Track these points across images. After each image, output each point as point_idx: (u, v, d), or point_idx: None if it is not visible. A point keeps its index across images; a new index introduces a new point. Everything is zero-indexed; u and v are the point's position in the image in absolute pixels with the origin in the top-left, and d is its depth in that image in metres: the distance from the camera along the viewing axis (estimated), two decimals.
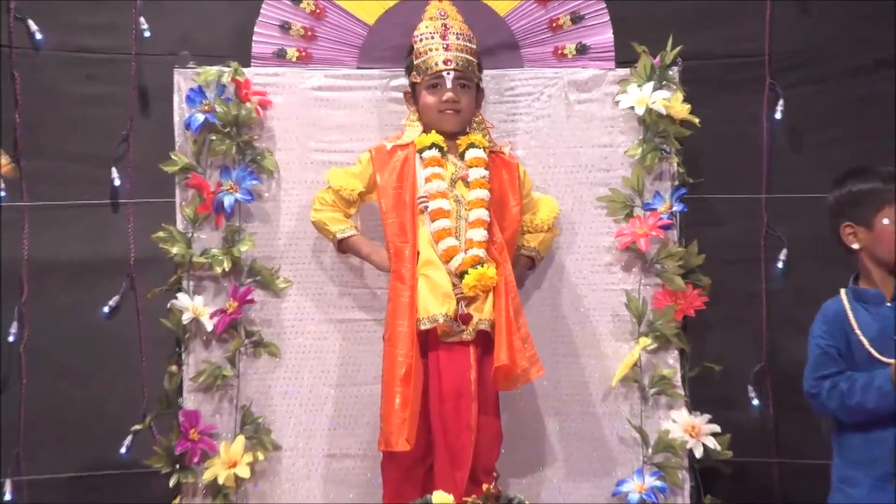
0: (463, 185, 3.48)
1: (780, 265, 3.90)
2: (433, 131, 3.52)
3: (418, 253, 3.40)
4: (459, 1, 3.64)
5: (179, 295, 3.65)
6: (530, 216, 3.65)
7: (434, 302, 3.33)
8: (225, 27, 3.85)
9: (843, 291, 3.14)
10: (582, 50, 3.83)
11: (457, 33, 3.53)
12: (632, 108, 3.72)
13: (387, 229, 3.47)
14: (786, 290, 3.89)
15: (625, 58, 3.79)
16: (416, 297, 3.35)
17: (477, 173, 3.48)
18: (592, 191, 3.79)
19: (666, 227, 3.72)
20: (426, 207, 3.44)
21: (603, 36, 3.82)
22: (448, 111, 3.51)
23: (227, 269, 3.65)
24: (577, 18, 3.81)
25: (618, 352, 3.76)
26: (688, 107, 3.71)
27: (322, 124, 3.77)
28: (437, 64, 3.48)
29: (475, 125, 3.62)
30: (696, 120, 3.71)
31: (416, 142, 3.53)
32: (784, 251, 3.89)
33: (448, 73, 3.47)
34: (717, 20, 3.92)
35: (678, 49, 3.72)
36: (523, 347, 3.34)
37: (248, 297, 3.68)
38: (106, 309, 3.80)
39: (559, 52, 3.84)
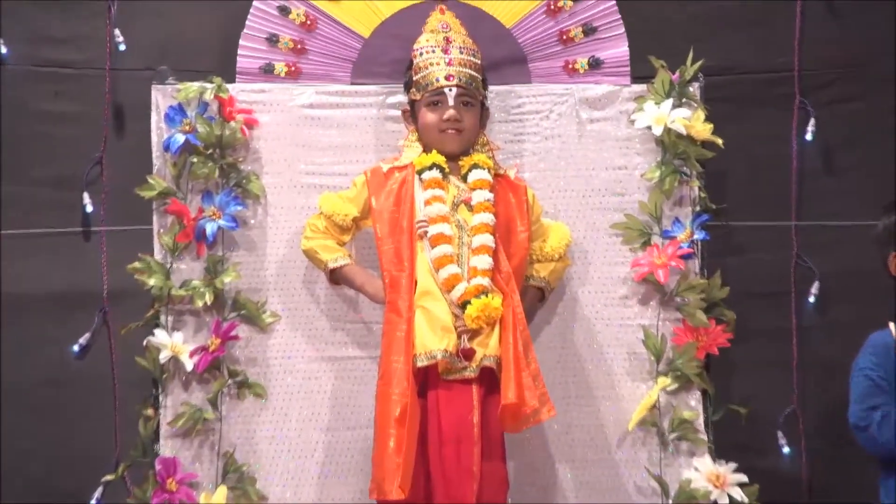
0: (466, 209, 3.38)
1: (811, 299, 3.83)
2: (434, 152, 3.43)
3: (416, 282, 3.29)
4: (463, 10, 3.59)
5: (157, 331, 3.56)
6: (539, 244, 3.54)
7: (432, 336, 3.22)
8: (207, 40, 3.78)
9: (892, 324, 3.09)
10: (595, 64, 3.75)
11: (460, 47, 3.45)
12: (649, 127, 3.65)
13: (382, 257, 3.36)
14: (818, 326, 3.83)
15: (641, 73, 3.72)
16: (412, 331, 3.24)
17: (481, 196, 3.38)
18: (606, 217, 3.71)
19: (686, 257, 3.63)
20: (426, 233, 3.32)
21: (617, 49, 3.74)
22: (450, 131, 3.42)
23: (208, 303, 3.56)
24: (589, 30, 3.73)
25: (634, 393, 3.67)
26: (710, 126, 3.64)
27: (313, 145, 3.68)
28: (438, 80, 3.40)
29: (479, 146, 3.53)
30: (719, 140, 3.63)
31: (415, 162, 3.45)
32: (816, 284, 3.82)
33: (450, 90, 3.39)
34: (743, 32, 3.86)
35: (699, 63, 3.65)
36: (533, 385, 3.21)
37: (232, 333, 3.59)
38: (76, 347, 3.70)
39: (570, 66, 3.75)
